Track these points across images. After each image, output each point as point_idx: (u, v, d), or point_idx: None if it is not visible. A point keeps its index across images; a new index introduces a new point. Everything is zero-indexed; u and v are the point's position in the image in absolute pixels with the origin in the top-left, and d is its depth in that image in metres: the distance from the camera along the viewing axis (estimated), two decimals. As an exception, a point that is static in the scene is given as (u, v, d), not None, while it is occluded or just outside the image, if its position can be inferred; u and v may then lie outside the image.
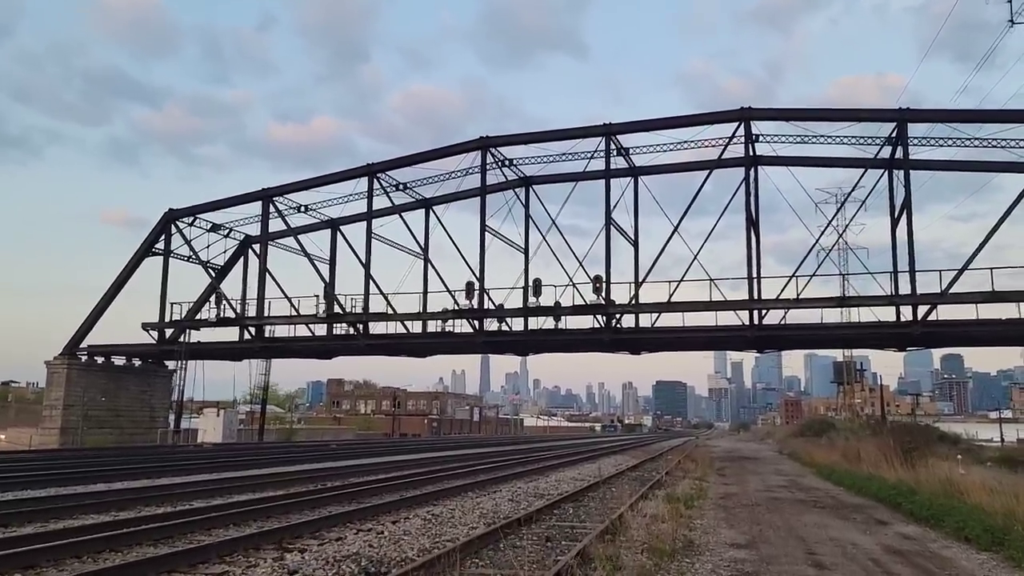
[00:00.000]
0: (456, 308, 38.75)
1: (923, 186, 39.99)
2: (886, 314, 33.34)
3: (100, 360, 45.76)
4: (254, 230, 44.86)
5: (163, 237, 45.38)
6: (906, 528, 14.04)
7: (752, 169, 35.67)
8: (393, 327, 40.84)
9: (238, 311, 42.81)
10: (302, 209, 43.90)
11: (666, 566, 9.61)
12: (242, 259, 46.49)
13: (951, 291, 31.24)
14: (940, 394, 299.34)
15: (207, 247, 45.38)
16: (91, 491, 16.39)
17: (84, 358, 45.18)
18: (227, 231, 46.00)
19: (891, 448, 27.90)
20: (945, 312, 32.41)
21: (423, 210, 43.14)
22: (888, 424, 50.33)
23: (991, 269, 31.31)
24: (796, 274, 33.46)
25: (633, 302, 36.22)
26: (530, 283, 37.98)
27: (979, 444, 47.03)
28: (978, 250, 31.12)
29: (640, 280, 36.56)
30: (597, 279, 36.54)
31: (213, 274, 45.63)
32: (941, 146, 33.79)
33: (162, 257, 45.01)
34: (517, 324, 38.49)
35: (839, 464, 29.31)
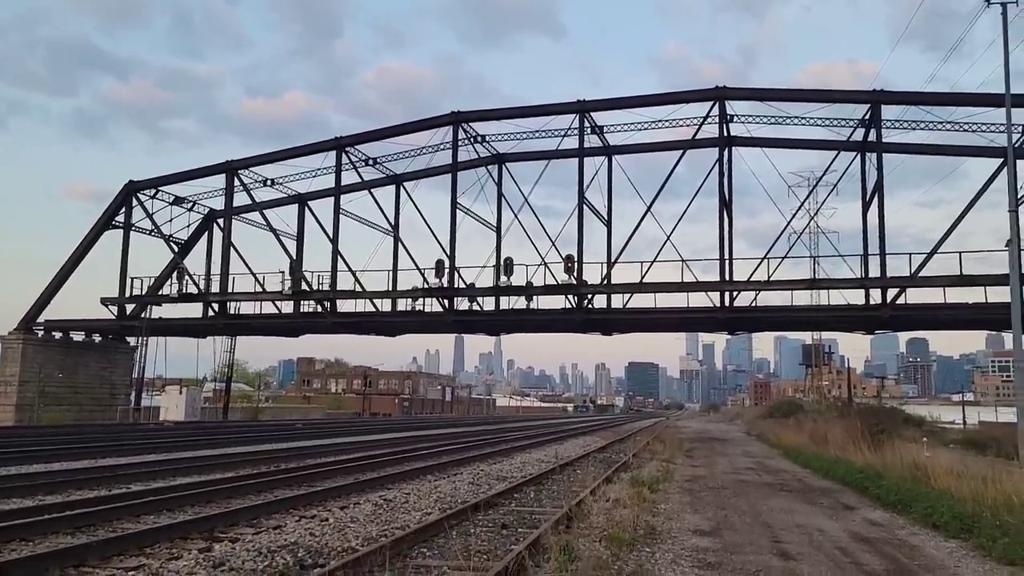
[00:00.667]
0: (426, 286, 38.02)
1: (892, 171, 39.68)
2: (855, 297, 33.35)
3: (58, 335, 44.34)
4: (219, 204, 43.65)
5: (124, 210, 43.91)
6: (873, 514, 13.64)
7: (726, 150, 35.19)
8: (362, 305, 40.02)
9: (201, 287, 41.62)
10: (268, 183, 42.71)
11: (624, 556, 9.01)
12: (206, 234, 45.21)
13: (920, 275, 31.23)
14: (905, 377, 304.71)
15: (170, 221, 44.13)
16: (24, 472, 15.41)
17: (40, 333, 43.72)
18: (191, 205, 44.66)
19: (858, 430, 27.74)
20: (913, 296, 32.45)
21: (393, 186, 42.17)
22: (855, 406, 50.56)
23: (959, 253, 31.38)
24: (767, 256, 33.26)
25: (605, 282, 35.70)
26: (502, 262, 37.30)
27: (942, 426, 47.36)
28: (947, 234, 31.18)
29: (612, 260, 36.04)
30: (569, 259, 36.02)
31: (176, 249, 44.31)
32: (913, 129, 33.62)
33: (122, 230, 43.56)
34: (489, 304, 37.90)
35: (806, 446, 29.11)
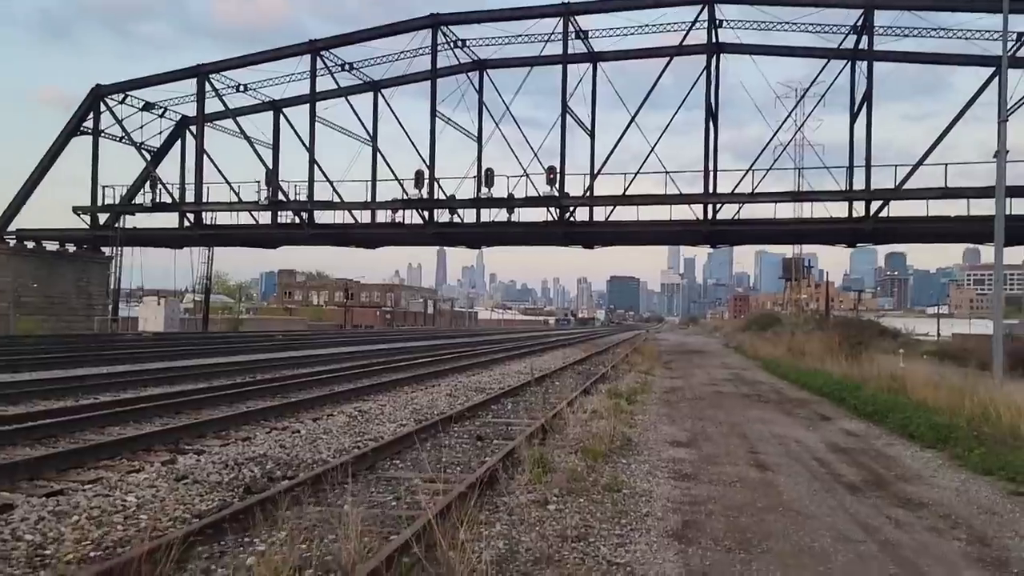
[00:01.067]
0: (405, 198, 37.23)
1: (879, 84, 38.35)
2: (839, 211, 33.05)
3: (31, 245, 43.30)
4: (191, 110, 42.04)
5: (92, 116, 42.22)
6: (850, 424, 13.68)
7: (714, 57, 34.05)
8: (340, 216, 39.22)
9: (175, 196, 40.53)
10: (242, 89, 41.02)
11: (600, 468, 8.85)
12: (179, 141, 43.73)
13: (904, 187, 30.91)
14: (882, 291, 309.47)
15: (141, 128, 42.45)
16: (-10, 383, 15.05)
17: (12, 242, 42.66)
18: (162, 111, 42.98)
19: (836, 342, 27.95)
20: (896, 209, 32.23)
21: (371, 93, 40.67)
22: (832, 319, 51.09)
23: (945, 165, 30.98)
24: (752, 168, 32.72)
25: (588, 195, 35.08)
26: (483, 173, 36.46)
27: (916, 338, 48.06)
28: (933, 146, 30.71)
29: (596, 172, 35.29)
30: (551, 170, 35.26)
31: (148, 157, 42.90)
32: (906, 36, 32.60)
33: (91, 137, 41.99)
34: (469, 216, 37.27)
35: (784, 358, 29.33)
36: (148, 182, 41.70)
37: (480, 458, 9.50)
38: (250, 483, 7.78)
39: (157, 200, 40.68)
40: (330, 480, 7.34)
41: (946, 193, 30.32)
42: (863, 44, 32.35)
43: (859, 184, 32.17)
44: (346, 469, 7.47)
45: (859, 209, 32.38)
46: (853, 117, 33.74)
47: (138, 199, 42.25)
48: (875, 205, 31.90)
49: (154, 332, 42.23)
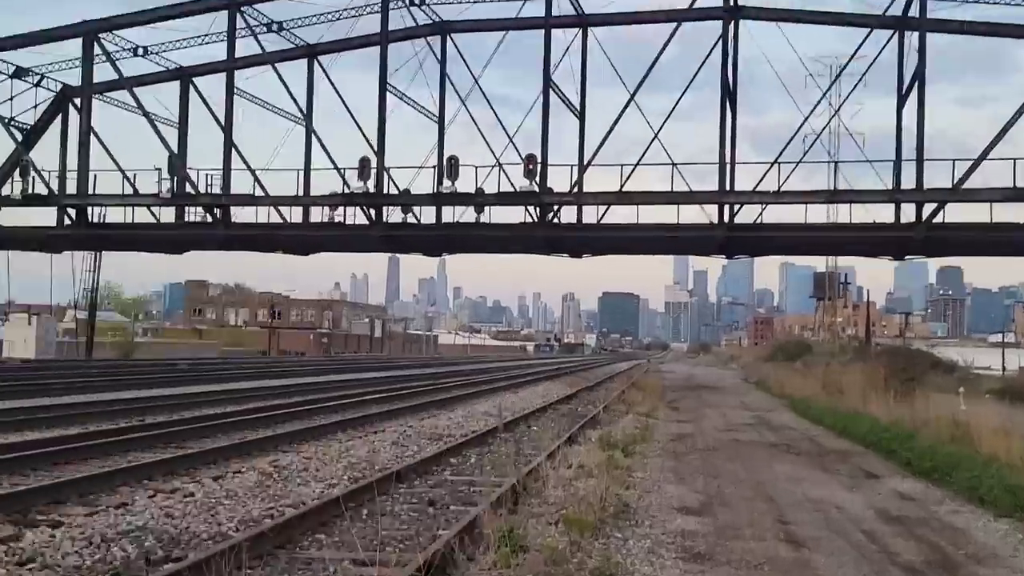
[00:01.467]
0: (347, 192, 36.81)
1: (932, 61, 37.53)
2: (883, 215, 33.17)
3: None
4: (76, 79, 41.27)
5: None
6: (903, 484, 13.57)
7: (732, 24, 34.08)
8: (264, 214, 38.68)
9: (53, 187, 39.76)
10: (141, 53, 40.48)
11: (587, 546, 8.50)
12: (59, 118, 42.93)
13: (964, 187, 30.90)
14: (933, 313, 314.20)
15: (10, 99, 41.58)
16: None
17: None
18: (38, 79, 42.17)
19: (881, 378, 27.96)
20: (953, 214, 32.21)
21: (305, 60, 40.31)
22: (874, 347, 51.45)
23: (1014, 160, 30.94)
24: (778, 161, 32.68)
25: (575, 191, 34.87)
26: (445, 162, 36.17)
27: (976, 372, 48.37)
28: (998, 137, 30.71)
29: (585, 163, 35.13)
30: (530, 159, 35.04)
31: (19, 136, 42.05)
32: (965, 1, 32.80)
33: (-56, 111, 41.13)
34: (428, 215, 36.96)
35: (817, 397, 29.41)
36: (18, 168, 40.88)
37: (431, 531, 9.18)
38: (121, 568, 7.33)
39: (29, 191, 39.90)
40: (229, 563, 6.85)
41: (1017, 194, 30.45)
42: (913, 10, 32.55)
43: (908, 182, 32.24)
44: (251, 547, 7.00)
45: (908, 213, 32.45)
46: (901, 101, 33.89)
47: (4, 190, 41.39)
48: (928, 209, 31.94)
49: (21, 359, 41.30)
